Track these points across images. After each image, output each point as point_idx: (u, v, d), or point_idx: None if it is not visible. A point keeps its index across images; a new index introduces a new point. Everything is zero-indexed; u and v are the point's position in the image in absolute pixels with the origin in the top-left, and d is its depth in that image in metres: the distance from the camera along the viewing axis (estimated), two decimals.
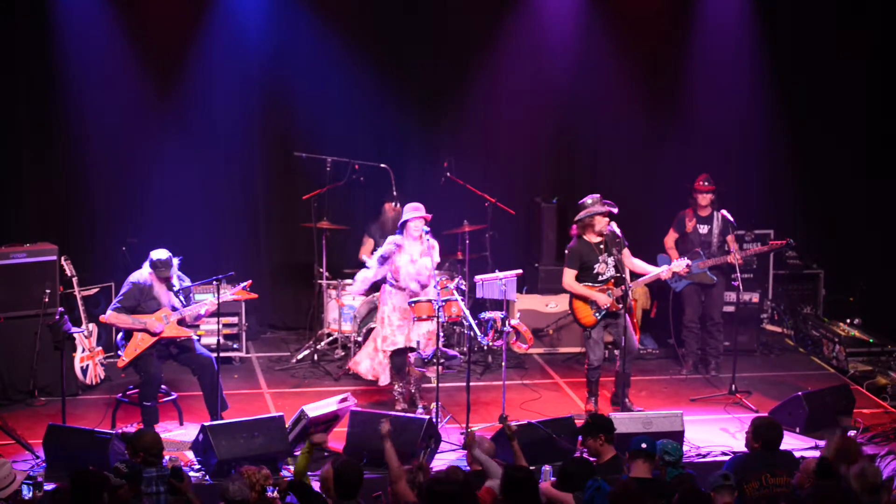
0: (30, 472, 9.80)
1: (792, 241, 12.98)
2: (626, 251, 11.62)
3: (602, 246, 11.55)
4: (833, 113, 14.50)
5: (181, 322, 11.03)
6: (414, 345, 11.37)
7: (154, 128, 13.57)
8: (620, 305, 11.47)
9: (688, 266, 11.87)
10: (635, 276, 11.75)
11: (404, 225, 11.52)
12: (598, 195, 11.56)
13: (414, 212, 11.49)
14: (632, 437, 8.87)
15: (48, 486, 9.22)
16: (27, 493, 8.96)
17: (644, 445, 8.58)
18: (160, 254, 10.94)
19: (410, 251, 11.49)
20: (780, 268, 14.45)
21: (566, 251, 11.69)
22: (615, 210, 11.47)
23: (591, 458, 9.11)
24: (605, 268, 11.57)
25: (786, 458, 9.07)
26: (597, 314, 11.56)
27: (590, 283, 11.54)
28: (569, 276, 11.59)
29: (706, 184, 12.76)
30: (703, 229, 12.85)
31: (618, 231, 11.51)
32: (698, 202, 12.82)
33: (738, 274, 12.22)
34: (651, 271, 11.71)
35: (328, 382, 12.55)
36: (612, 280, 11.55)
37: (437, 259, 11.56)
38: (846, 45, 14.38)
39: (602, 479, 8.33)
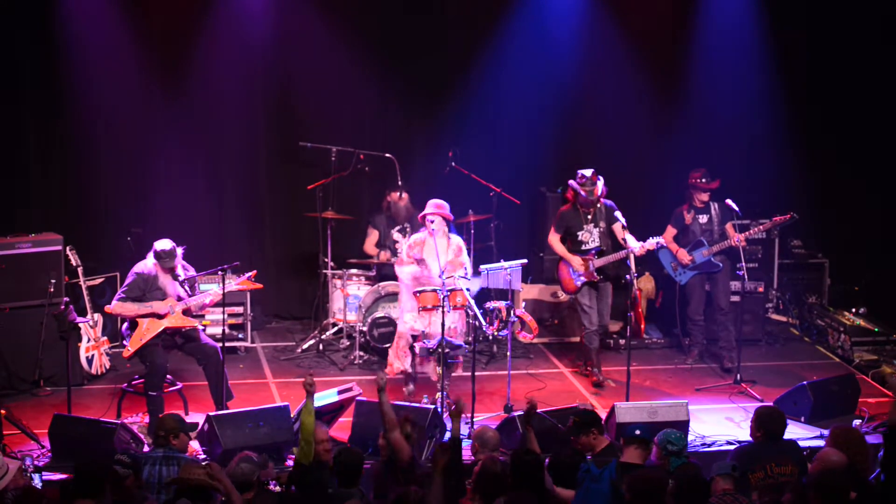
0: (27, 462, 9.82)
1: (795, 215, 12.88)
2: (618, 225, 11.92)
3: (590, 216, 12.02)
4: (839, 103, 14.46)
5: (186, 312, 11.05)
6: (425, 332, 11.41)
7: (159, 117, 13.56)
8: (599, 277, 12.00)
9: (657, 244, 11.96)
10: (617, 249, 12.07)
11: (423, 219, 11.64)
12: (593, 170, 11.99)
13: (434, 207, 11.58)
14: (635, 427, 8.86)
15: (50, 476, 9.27)
16: (39, 483, 9.00)
17: (638, 432, 8.59)
18: (164, 244, 10.94)
19: (436, 247, 11.50)
20: (786, 257, 14.44)
21: (557, 213, 12.28)
22: (594, 188, 11.89)
23: (587, 453, 9.11)
24: (588, 237, 12.05)
25: (790, 448, 9.06)
26: (577, 281, 11.99)
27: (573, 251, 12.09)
28: (553, 236, 12.24)
29: (705, 181, 12.72)
30: (703, 219, 12.82)
31: (603, 207, 11.98)
32: (698, 197, 12.79)
33: (744, 263, 12.20)
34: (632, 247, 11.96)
35: (333, 372, 12.56)
36: (594, 252, 11.98)
37: (463, 261, 11.67)
38: (852, 34, 14.34)
39: (591, 462, 8.36)
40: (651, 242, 11.84)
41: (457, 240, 11.77)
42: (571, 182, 12.06)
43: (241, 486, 7.95)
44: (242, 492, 7.92)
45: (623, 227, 11.79)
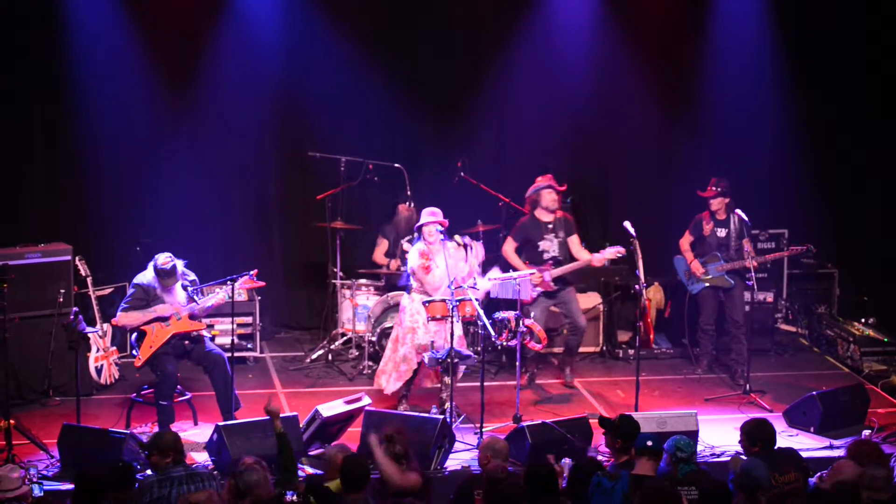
0: (32, 472, 9.82)
1: (812, 247, 12.95)
2: (574, 237, 12.19)
3: (551, 226, 12.19)
4: (848, 111, 14.44)
5: (192, 317, 11.04)
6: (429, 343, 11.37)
7: (168, 127, 13.59)
8: (557, 287, 12.09)
9: (618, 253, 11.97)
10: (572, 260, 12.20)
11: (420, 230, 11.52)
12: (550, 175, 12.26)
13: (429, 216, 11.47)
14: (647, 437, 8.85)
15: (52, 486, 9.26)
16: (38, 492, 8.98)
17: (650, 443, 8.58)
18: (163, 264, 10.85)
19: (434, 257, 11.44)
20: (795, 267, 14.42)
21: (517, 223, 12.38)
22: (560, 188, 12.21)
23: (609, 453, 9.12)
24: (549, 245, 12.20)
25: (789, 455, 9.02)
26: (532, 292, 12.00)
27: (529, 261, 12.13)
28: (508, 244, 12.33)
29: (714, 189, 12.68)
30: (721, 232, 12.78)
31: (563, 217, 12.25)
32: (711, 207, 12.77)
33: (753, 274, 12.18)
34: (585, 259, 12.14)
35: (342, 382, 12.56)
36: (552, 261, 12.13)
37: (476, 259, 11.63)
38: (862, 42, 14.33)
39: (603, 476, 8.34)
40: (611, 252, 11.93)
41: (453, 244, 11.56)
42: (530, 191, 12.31)
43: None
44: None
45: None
